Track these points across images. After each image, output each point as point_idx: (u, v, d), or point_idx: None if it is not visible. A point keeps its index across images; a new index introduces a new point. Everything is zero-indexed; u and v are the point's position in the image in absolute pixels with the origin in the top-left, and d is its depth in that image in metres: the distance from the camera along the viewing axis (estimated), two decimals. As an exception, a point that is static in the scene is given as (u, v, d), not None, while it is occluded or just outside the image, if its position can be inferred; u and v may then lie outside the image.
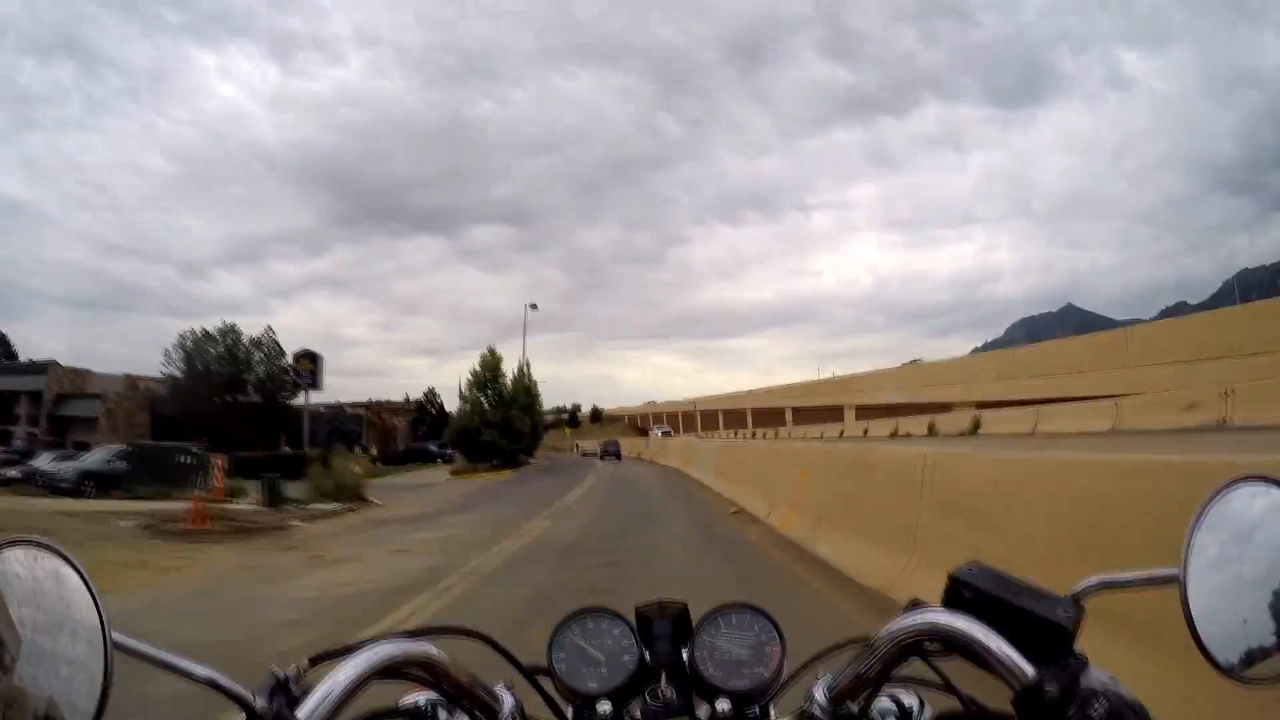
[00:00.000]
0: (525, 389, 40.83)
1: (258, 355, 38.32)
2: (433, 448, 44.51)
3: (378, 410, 54.74)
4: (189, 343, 37.30)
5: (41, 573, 0.45)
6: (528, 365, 42.04)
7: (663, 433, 55.90)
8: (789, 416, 54.11)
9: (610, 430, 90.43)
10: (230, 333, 37.73)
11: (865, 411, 42.72)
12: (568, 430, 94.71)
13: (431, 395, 61.23)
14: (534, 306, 41.77)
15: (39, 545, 0.46)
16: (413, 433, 55.44)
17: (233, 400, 36.87)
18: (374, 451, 44.81)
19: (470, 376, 38.94)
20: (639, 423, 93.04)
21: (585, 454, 59.78)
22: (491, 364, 39.59)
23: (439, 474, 30.68)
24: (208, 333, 37.50)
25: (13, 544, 0.46)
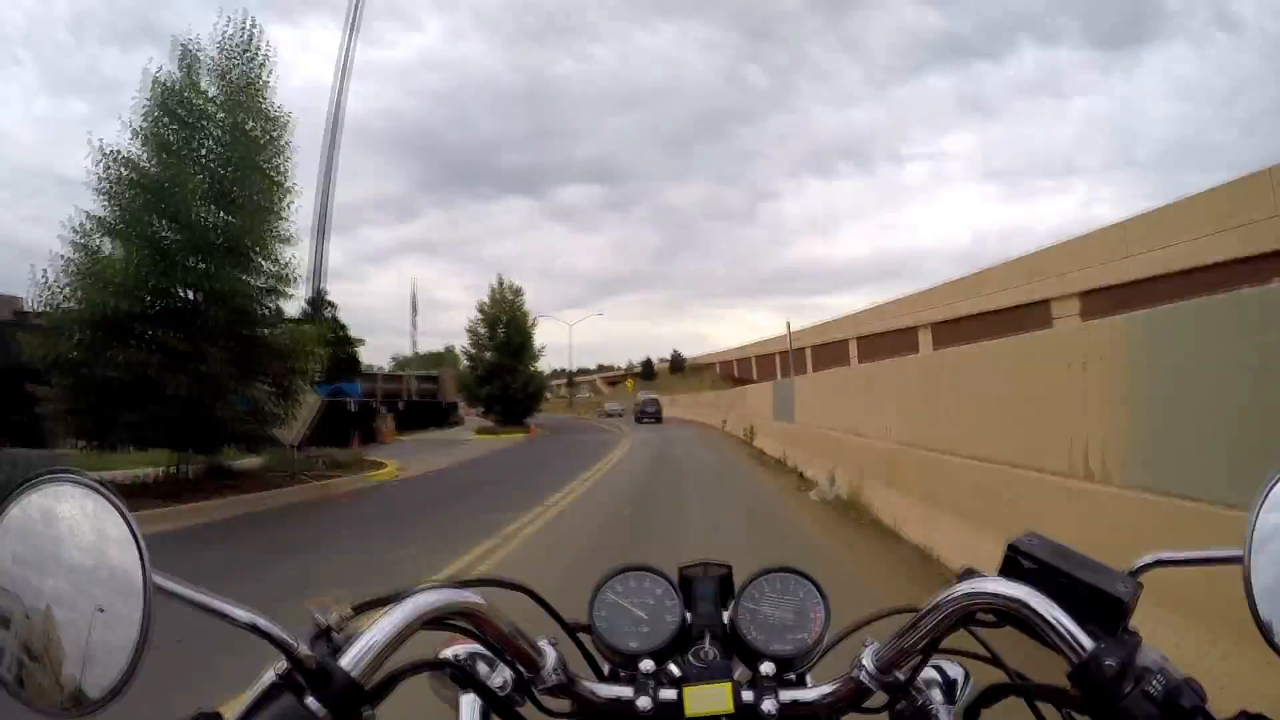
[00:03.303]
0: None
1: None
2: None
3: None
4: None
5: (79, 509, 0.43)
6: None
7: None
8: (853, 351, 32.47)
9: (696, 383, 63.14)
10: None
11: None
12: (630, 384, 68.10)
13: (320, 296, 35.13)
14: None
15: (77, 481, 0.43)
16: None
17: None
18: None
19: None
20: (735, 371, 64.30)
21: (609, 414, 45.45)
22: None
23: None
24: None
25: (50, 479, 0.43)
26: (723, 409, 27.59)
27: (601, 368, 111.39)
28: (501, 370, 29.36)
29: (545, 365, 37.19)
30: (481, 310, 30.76)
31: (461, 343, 30.31)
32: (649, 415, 36.93)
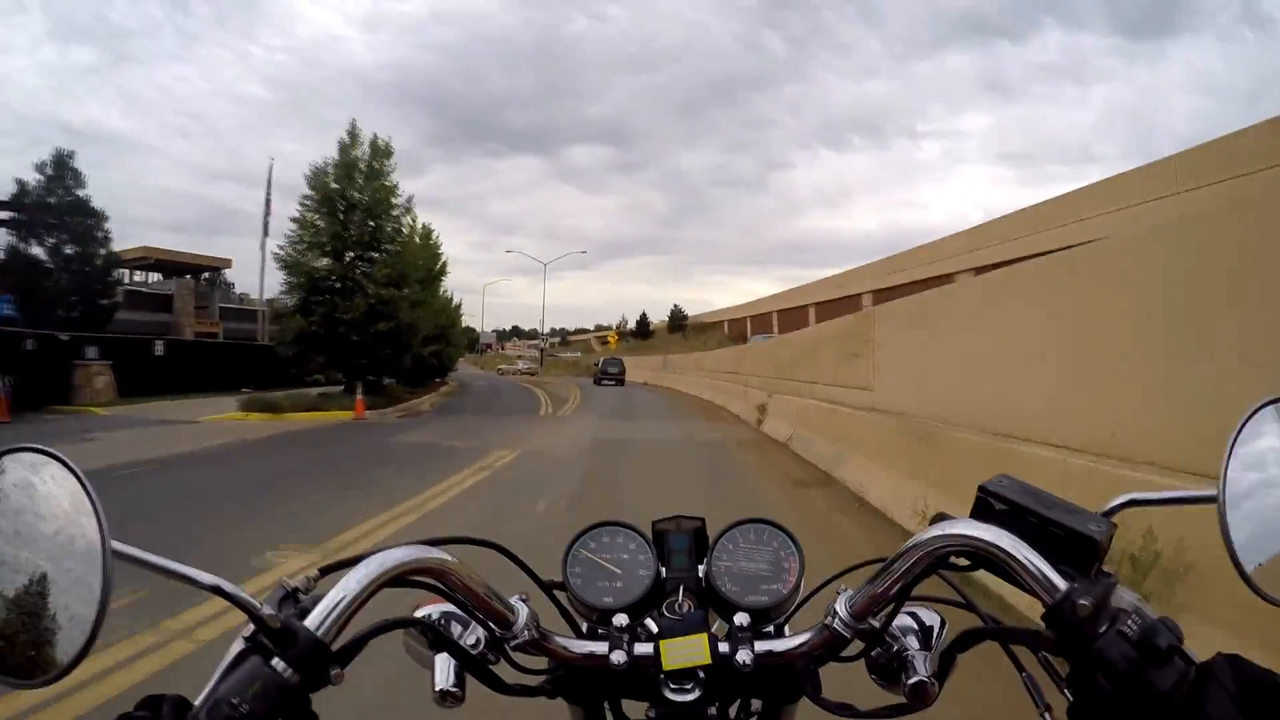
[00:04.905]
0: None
1: None
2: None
3: None
4: None
5: (39, 480, 0.43)
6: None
7: None
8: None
9: (700, 344, 50.01)
10: None
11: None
12: (614, 340, 54.92)
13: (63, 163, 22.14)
14: None
15: (37, 451, 0.44)
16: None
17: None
18: None
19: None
20: (748, 330, 50.86)
21: (519, 372, 42.58)
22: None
23: None
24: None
25: (10, 451, 0.44)
26: (758, 381, 14.13)
27: (599, 328, 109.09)
28: (343, 289, 15.52)
29: (541, 324, 23.68)
30: (315, 183, 15.92)
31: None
32: (609, 377, 34.47)
